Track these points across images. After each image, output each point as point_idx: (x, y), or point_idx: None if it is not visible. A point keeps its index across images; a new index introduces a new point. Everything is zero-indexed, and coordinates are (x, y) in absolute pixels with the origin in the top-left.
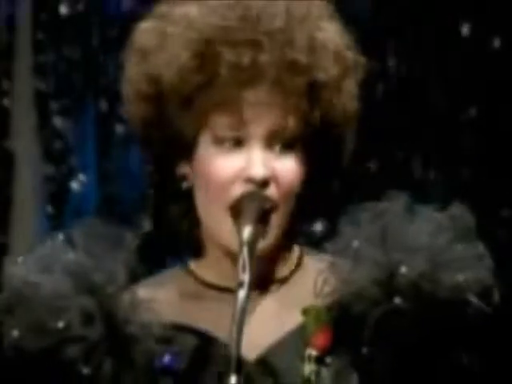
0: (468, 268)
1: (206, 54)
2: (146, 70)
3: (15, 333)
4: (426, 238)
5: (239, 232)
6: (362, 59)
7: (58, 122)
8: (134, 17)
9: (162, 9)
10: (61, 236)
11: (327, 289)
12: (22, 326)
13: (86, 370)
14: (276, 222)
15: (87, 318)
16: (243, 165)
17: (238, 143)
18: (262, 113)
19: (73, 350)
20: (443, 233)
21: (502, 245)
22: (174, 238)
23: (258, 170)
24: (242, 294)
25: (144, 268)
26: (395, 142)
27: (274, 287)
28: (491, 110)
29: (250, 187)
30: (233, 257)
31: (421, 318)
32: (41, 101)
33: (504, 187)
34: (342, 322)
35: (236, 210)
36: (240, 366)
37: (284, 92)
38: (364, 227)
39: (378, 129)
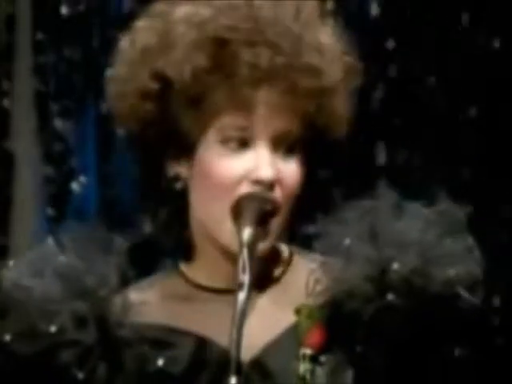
0: (458, 262)
1: (221, 54)
2: (151, 68)
3: (7, 337)
4: (416, 234)
5: (239, 233)
6: (359, 63)
7: (58, 123)
8: (135, 18)
9: (159, 8)
10: (51, 240)
11: (319, 288)
12: (14, 330)
13: (80, 375)
14: (277, 223)
15: (80, 322)
16: (250, 166)
17: (244, 144)
18: (272, 114)
19: (67, 355)
20: (432, 228)
21: (502, 245)
22: (164, 240)
23: (267, 172)
24: (242, 295)
25: (134, 271)
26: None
27: (267, 287)
28: (491, 109)
29: (256, 188)
30: (230, 257)
31: (414, 314)
32: (41, 102)
33: (504, 187)
34: (336, 320)
35: (237, 211)
36: (240, 367)
37: (295, 94)
38: (352, 225)
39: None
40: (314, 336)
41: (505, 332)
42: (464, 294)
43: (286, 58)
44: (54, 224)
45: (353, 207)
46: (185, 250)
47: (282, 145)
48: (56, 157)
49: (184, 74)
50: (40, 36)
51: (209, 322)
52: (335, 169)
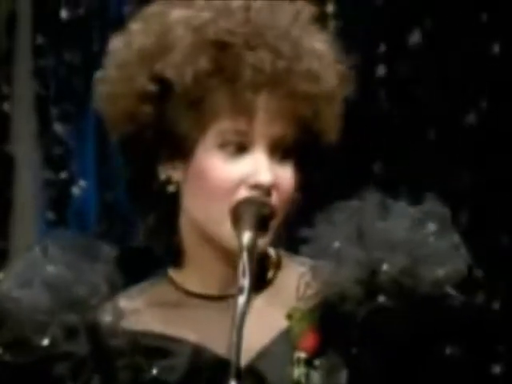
0: (446, 261)
1: (223, 57)
2: (149, 70)
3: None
4: (403, 233)
5: (239, 237)
6: (350, 70)
7: (58, 127)
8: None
9: (153, 10)
10: (37, 249)
11: (310, 291)
12: (6, 342)
13: None
14: (272, 227)
15: (71, 334)
16: (248, 170)
17: (242, 148)
18: (270, 119)
19: (60, 367)
20: (419, 227)
21: (503, 250)
22: (153, 245)
23: (266, 177)
24: (241, 299)
25: (123, 279)
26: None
27: (259, 291)
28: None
29: (254, 193)
30: (226, 260)
31: (405, 314)
32: (41, 106)
33: (505, 191)
34: (328, 323)
35: (236, 215)
36: (240, 371)
37: (295, 99)
38: (340, 227)
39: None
40: (308, 340)
41: (505, 335)
42: (453, 292)
43: (286, 62)
44: (54, 228)
45: (339, 209)
46: (174, 255)
47: (279, 150)
48: (56, 160)
49: (185, 77)
50: (40, 40)
51: (201, 329)
52: (328, 173)
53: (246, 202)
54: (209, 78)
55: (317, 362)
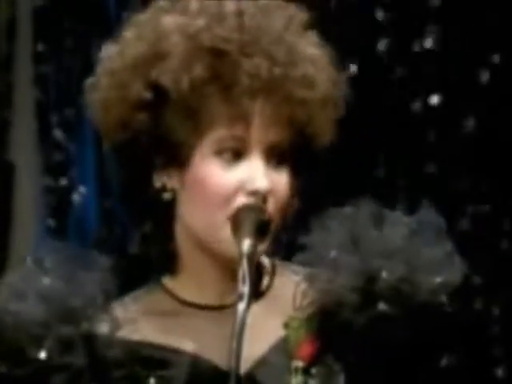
0: (442, 270)
1: (219, 64)
2: (144, 78)
3: None
4: (399, 242)
5: (239, 244)
6: (343, 75)
7: (58, 133)
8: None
9: (144, 18)
10: (30, 261)
11: (307, 300)
12: (3, 354)
13: None
14: (271, 234)
15: (68, 346)
16: (244, 177)
17: (238, 154)
18: (266, 125)
19: (57, 379)
20: (414, 236)
21: (504, 256)
22: (148, 252)
23: (263, 183)
24: (241, 306)
25: (118, 289)
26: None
27: (255, 299)
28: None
29: (252, 199)
30: (223, 269)
31: (404, 322)
32: (41, 112)
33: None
34: (326, 331)
35: (235, 222)
36: (240, 381)
37: (290, 105)
38: (334, 235)
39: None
40: (305, 348)
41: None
42: (448, 301)
43: (282, 69)
44: (54, 234)
45: (333, 216)
46: (169, 263)
47: (275, 155)
48: (56, 167)
49: (181, 84)
50: (40, 46)
51: (197, 339)
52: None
53: (246, 208)
54: (205, 85)
55: (314, 371)
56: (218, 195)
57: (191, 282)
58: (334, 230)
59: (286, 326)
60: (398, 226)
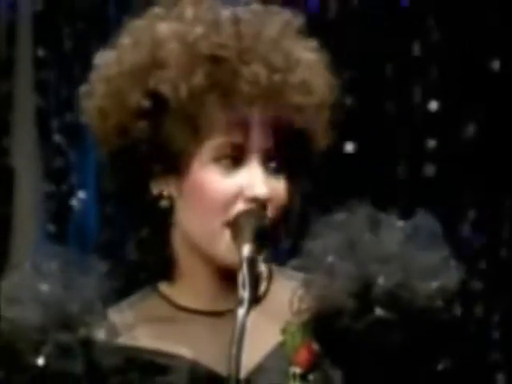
0: (439, 275)
1: (218, 72)
2: (143, 86)
3: None
4: (396, 247)
5: (239, 250)
6: (337, 80)
7: (58, 139)
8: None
9: (140, 25)
10: (27, 266)
11: (303, 306)
12: (1, 361)
13: None
14: (271, 240)
15: (65, 351)
16: (243, 183)
17: (237, 161)
18: (265, 132)
19: None
20: (410, 241)
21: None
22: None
23: (262, 189)
24: (241, 311)
25: (115, 294)
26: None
27: (255, 304)
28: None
29: (251, 206)
30: (221, 275)
31: (402, 327)
32: (41, 118)
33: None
34: (323, 337)
35: (235, 228)
36: None
37: (289, 111)
38: (330, 240)
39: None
40: (302, 354)
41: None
42: (446, 306)
43: (281, 75)
44: (54, 240)
45: (328, 221)
46: (165, 269)
47: (272, 161)
48: (56, 173)
49: (180, 92)
50: (40, 52)
51: (194, 345)
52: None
53: (246, 214)
54: (204, 92)
55: (311, 377)
56: (217, 202)
57: (188, 288)
58: (329, 236)
59: (284, 331)
60: (394, 230)
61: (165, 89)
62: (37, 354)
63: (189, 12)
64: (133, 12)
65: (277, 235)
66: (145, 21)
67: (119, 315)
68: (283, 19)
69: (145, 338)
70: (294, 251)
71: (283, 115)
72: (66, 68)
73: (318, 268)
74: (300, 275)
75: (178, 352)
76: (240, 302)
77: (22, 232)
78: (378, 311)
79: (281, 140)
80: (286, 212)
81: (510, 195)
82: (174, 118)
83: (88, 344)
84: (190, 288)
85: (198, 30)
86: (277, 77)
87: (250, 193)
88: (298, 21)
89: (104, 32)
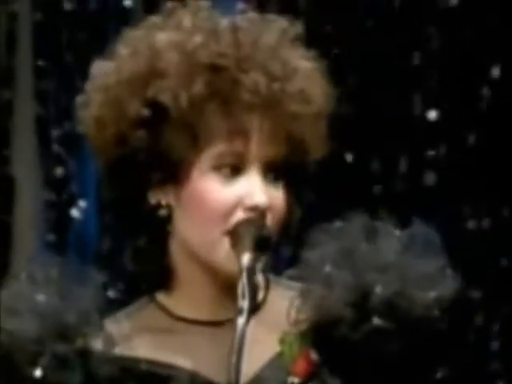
0: (436, 284)
1: (218, 81)
2: (142, 95)
3: None
4: (393, 256)
5: (238, 259)
6: (332, 89)
7: (58, 148)
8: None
9: (137, 34)
10: (24, 276)
11: (301, 316)
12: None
13: None
14: (269, 249)
15: (62, 362)
16: (243, 192)
17: (236, 170)
18: (264, 140)
19: None
20: (407, 250)
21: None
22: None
23: (262, 199)
24: (241, 320)
25: (110, 305)
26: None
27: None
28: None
29: (250, 215)
30: (220, 284)
31: (399, 336)
32: (41, 127)
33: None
34: (322, 347)
35: (234, 237)
36: None
37: (288, 120)
38: (327, 250)
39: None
40: (301, 364)
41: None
42: (443, 315)
43: (280, 84)
44: (54, 249)
45: (325, 230)
46: (163, 279)
47: (271, 171)
48: (56, 182)
49: (180, 102)
50: (40, 61)
51: (193, 355)
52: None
53: (246, 223)
54: (204, 101)
55: None
56: (217, 211)
57: (186, 298)
58: (327, 245)
59: (282, 341)
60: (392, 240)
61: (165, 98)
62: (34, 365)
63: (187, 21)
64: (133, 23)
65: (275, 244)
66: (142, 30)
67: (116, 325)
68: (280, 27)
69: (142, 349)
70: (293, 260)
71: (283, 124)
72: (66, 77)
73: (316, 278)
74: (297, 285)
75: (176, 362)
76: (239, 312)
77: (22, 241)
78: (376, 320)
79: (280, 149)
80: (284, 221)
81: (510, 204)
82: (174, 126)
83: (85, 355)
84: (188, 297)
85: (197, 39)
86: (276, 85)
87: (249, 202)
88: (295, 29)
89: (104, 42)
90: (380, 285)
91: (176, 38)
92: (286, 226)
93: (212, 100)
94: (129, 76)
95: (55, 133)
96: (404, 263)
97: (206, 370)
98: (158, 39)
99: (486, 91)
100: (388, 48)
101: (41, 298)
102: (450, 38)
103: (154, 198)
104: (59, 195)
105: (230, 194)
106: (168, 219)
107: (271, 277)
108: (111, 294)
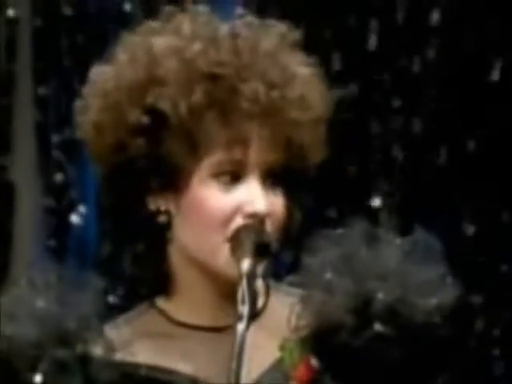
0: (437, 291)
1: (218, 89)
2: (142, 102)
3: None
4: (394, 263)
5: (238, 264)
6: (330, 94)
7: (58, 154)
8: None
9: (136, 40)
10: (24, 282)
11: (302, 322)
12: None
13: None
14: (269, 255)
15: (63, 368)
16: (242, 199)
17: (236, 177)
18: (263, 147)
19: None
20: (408, 257)
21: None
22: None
23: (262, 205)
24: (241, 326)
25: (110, 310)
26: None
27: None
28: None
29: (250, 222)
30: (221, 290)
31: (400, 342)
32: (41, 133)
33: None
34: (322, 353)
35: (234, 243)
36: None
37: (287, 126)
38: (327, 256)
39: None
40: (301, 370)
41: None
42: (444, 322)
43: (279, 91)
44: (54, 255)
45: (326, 237)
46: (163, 284)
47: (270, 177)
48: (56, 188)
49: (179, 110)
50: (40, 67)
51: (193, 361)
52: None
53: (245, 229)
54: (203, 109)
55: None
56: (217, 218)
57: (186, 304)
58: (327, 251)
59: (282, 347)
60: (393, 247)
61: (164, 105)
62: (34, 370)
63: (186, 27)
64: (132, 27)
65: (275, 250)
66: (141, 35)
67: (116, 331)
68: (279, 32)
69: (142, 354)
70: (294, 266)
71: (282, 131)
72: (66, 83)
73: (316, 284)
74: (297, 291)
75: (176, 368)
76: (239, 318)
77: (22, 246)
78: (377, 327)
79: (279, 155)
80: (284, 226)
81: (510, 210)
82: (173, 134)
83: (85, 360)
84: (189, 303)
85: (196, 46)
86: (275, 93)
87: (249, 208)
88: (293, 34)
89: (104, 48)
90: (381, 292)
91: (175, 44)
92: (286, 231)
93: (211, 109)
94: (128, 82)
95: (55, 139)
96: (405, 270)
97: (206, 375)
98: (156, 45)
99: (485, 93)
100: (388, 52)
101: (40, 303)
102: (450, 43)
103: (153, 204)
104: (59, 201)
105: (230, 201)
106: (167, 225)
107: (271, 283)
108: (111, 299)
